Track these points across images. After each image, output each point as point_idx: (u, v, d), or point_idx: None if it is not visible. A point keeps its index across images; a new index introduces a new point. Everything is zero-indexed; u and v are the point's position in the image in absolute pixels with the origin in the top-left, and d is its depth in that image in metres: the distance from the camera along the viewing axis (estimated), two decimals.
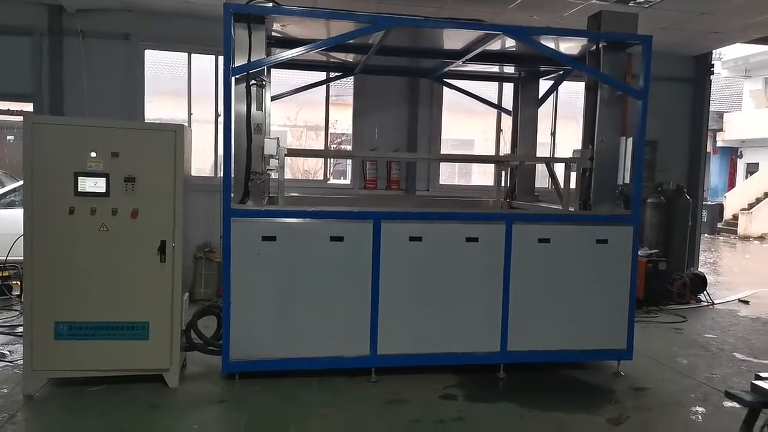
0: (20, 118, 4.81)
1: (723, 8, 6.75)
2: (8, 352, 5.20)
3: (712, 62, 9.54)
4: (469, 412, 4.33)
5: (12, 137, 15.63)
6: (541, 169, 7.05)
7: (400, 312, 4.82)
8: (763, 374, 3.60)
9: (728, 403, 4.47)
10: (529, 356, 5.07)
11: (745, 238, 20.06)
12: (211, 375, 4.81)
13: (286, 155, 4.99)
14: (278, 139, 4.91)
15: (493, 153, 8.71)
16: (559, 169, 5.60)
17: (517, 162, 6.57)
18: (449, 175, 9.68)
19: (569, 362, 5.28)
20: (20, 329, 5.32)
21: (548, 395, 4.70)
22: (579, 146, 5.57)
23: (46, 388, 4.40)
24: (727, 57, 24.11)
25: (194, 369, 4.95)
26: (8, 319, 6.18)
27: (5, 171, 13.21)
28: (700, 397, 4.78)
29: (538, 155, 7.02)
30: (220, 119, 7.56)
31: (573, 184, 5.42)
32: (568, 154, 5.58)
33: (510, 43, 5.45)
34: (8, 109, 9.63)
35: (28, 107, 7.57)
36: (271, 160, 4.89)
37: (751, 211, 20.83)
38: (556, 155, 8.78)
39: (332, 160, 8.96)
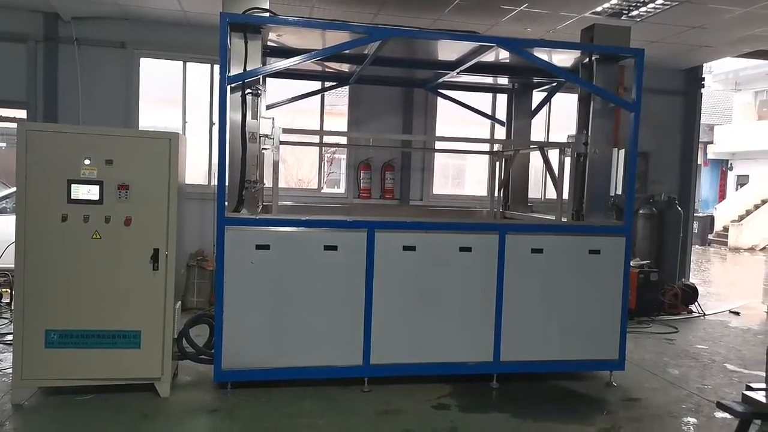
0: (14, 125, 4.79)
1: (714, 23, 6.85)
2: None
3: (703, 75, 9.66)
4: (462, 422, 4.32)
5: (4, 144, 15.56)
6: (534, 178, 7.07)
7: (394, 321, 4.81)
8: (754, 385, 3.63)
9: (720, 414, 4.49)
10: (522, 366, 5.08)
11: (736, 249, 20.21)
12: (203, 384, 4.79)
13: (281, 140, 4.81)
14: (273, 119, 4.85)
15: (486, 164, 8.76)
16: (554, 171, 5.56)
17: (511, 152, 6.54)
18: (443, 184, 9.73)
19: (562, 372, 5.28)
20: (10, 337, 5.27)
21: (541, 406, 4.70)
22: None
23: (36, 398, 4.36)
24: (717, 70, 24.39)
25: (186, 378, 4.92)
26: None
27: None
28: (691, 407, 4.79)
29: (530, 166, 7.04)
30: (215, 128, 7.56)
31: (566, 195, 5.46)
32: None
33: (504, 54, 5.50)
34: (2, 116, 9.59)
35: (22, 114, 7.55)
36: (266, 141, 4.77)
37: (741, 222, 21.02)
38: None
39: (326, 170, 8.97)
